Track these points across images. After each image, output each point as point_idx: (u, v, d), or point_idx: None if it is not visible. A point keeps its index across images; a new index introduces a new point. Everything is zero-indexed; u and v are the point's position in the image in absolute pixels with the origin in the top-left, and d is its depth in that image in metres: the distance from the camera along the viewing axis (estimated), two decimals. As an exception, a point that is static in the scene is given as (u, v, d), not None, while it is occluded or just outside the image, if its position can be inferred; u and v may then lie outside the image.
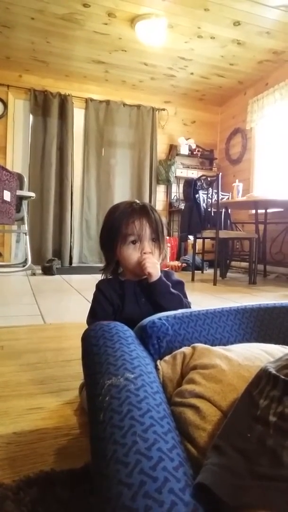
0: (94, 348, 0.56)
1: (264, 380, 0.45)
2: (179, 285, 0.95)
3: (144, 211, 0.88)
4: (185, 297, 0.94)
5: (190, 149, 5.13)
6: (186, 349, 0.63)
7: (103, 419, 0.45)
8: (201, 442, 0.45)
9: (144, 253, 0.87)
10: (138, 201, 0.92)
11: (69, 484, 0.56)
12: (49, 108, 4.52)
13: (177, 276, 0.98)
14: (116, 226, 0.88)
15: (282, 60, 3.92)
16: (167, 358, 0.64)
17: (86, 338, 0.59)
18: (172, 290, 0.89)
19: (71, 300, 2.34)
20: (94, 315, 0.91)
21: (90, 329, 0.61)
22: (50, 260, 3.96)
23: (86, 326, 0.68)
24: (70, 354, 1.22)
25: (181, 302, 0.90)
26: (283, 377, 0.42)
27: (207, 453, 0.42)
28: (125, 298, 0.90)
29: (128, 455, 0.39)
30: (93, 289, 0.93)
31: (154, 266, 0.87)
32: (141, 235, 0.87)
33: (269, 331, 0.89)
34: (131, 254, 0.88)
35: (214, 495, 0.36)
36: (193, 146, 5.15)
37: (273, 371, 0.44)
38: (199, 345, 0.63)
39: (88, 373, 0.55)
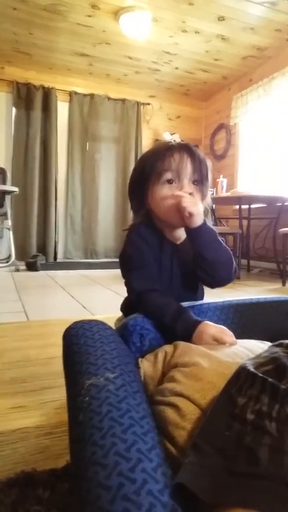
0: (74, 347, 0.55)
1: (242, 378, 0.45)
2: None
3: (185, 147, 0.72)
4: None
5: (175, 144, 5.12)
6: (167, 347, 0.63)
7: (83, 419, 0.44)
8: (180, 441, 0.45)
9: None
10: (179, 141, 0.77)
11: (50, 484, 0.55)
12: (32, 101, 4.44)
13: None
14: (149, 163, 0.72)
15: (266, 57, 3.94)
16: (148, 356, 0.64)
17: (67, 337, 0.59)
18: (220, 238, 0.74)
19: (56, 296, 2.32)
20: (139, 277, 0.72)
21: (71, 327, 0.61)
22: (34, 255, 3.91)
23: (71, 323, 0.65)
24: (54, 351, 1.21)
25: (231, 255, 0.75)
26: (260, 375, 0.43)
27: (187, 452, 0.42)
28: (162, 260, 0.75)
29: (107, 457, 0.39)
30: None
31: (195, 204, 0.69)
32: (180, 171, 0.70)
33: (252, 327, 0.90)
34: (166, 194, 0.71)
35: (193, 494, 0.36)
36: (178, 141, 5.14)
37: (251, 369, 0.45)
38: (180, 343, 0.63)
39: (68, 372, 0.54)
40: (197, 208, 0.69)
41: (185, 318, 0.67)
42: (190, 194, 0.71)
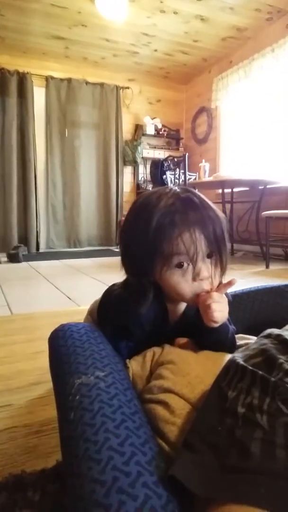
0: (62, 349, 0.54)
1: (232, 371, 0.45)
2: None
3: (194, 212, 0.57)
4: None
5: (156, 129, 5.06)
6: (155, 348, 0.64)
7: (74, 418, 0.44)
8: (171, 436, 0.46)
9: (201, 279, 0.59)
10: (178, 189, 0.61)
11: (40, 486, 0.55)
12: (6, 87, 4.28)
13: None
14: (151, 240, 0.56)
15: (245, 37, 3.89)
16: (136, 357, 0.64)
17: (54, 339, 0.58)
18: (230, 331, 0.65)
19: (40, 288, 2.29)
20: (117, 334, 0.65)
21: (58, 329, 0.59)
22: (16, 247, 3.85)
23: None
24: (39, 346, 1.20)
25: (234, 344, 0.67)
26: (250, 368, 0.43)
27: (179, 448, 0.42)
28: (160, 331, 0.66)
29: (100, 452, 0.39)
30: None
31: (223, 312, 0.59)
32: (192, 255, 0.56)
33: (239, 317, 0.91)
34: (180, 283, 0.59)
35: (186, 488, 0.36)
36: (159, 126, 5.08)
37: (241, 362, 0.45)
38: (167, 345, 0.63)
39: (56, 373, 0.53)
40: (224, 314, 0.59)
41: None
42: (209, 277, 0.59)
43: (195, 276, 0.58)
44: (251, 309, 0.96)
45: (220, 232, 0.59)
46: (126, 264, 0.66)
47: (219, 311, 0.58)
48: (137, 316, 0.60)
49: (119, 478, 0.36)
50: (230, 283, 0.61)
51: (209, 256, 0.60)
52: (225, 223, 0.61)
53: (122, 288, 0.65)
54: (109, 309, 0.67)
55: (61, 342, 0.57)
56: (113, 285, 0.70)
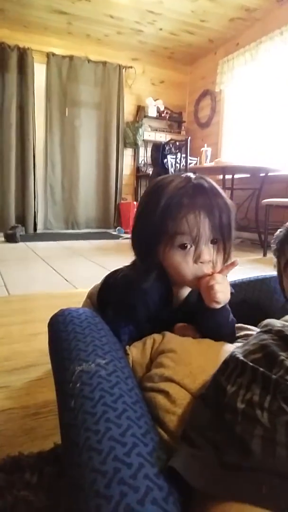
0: (62, 334, 0.53)
1: (231, 366, 0.44)
2: None
3: (202, 196, 0.58)
4: None
5: (158, 111, 4.97)
6: (156, 335, 0.63)
7: (74, 406, 0.43)
8: (171, 426, 0.45)
9: (201, 262, 0.60)
10: (192, 175, 0.61)
11: (38, 468, 0.55)
12: (6, 63, 4.16)
13: None
14: (159, 217, 0.58)
15: (254, 19, 3.79)
16: (136, 343, 0.63)
17: (54, 324, 0.57)
18: (231, 316, 0.66)
19: (37, 269, 2.28)
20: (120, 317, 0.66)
21: (58, 314, 0.58)
22: (13, 227, 3.81)
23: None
24: (37, 327, 1.19)
25: (234, 332, 0.68)
26: (251, 364, 0.42)
27: (178, 441, 0.42)
28: (162, 313, 0.66)
29: (101, 442, 0.39)
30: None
31: (226, 293, 0.60)
32: (195, 236, 0.58)
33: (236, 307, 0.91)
34: (181, 263, 0.60)
35: (185, 480, 0.36)
36: (162, 108, 4.99)
37: (241, 357, 0.44)
38: (168, 332, 0.63)
39: (56, 359, 0.53)
40: (226, 295, 0.60)
41: None
42: (210, 261, 0.60)
43: (196, 259, 0.60)
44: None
45: (227, 221, 0.60)
46: (135, 244, 0.67)
47: (221, 291, 0.59)
48: (142, 293, 0.62)
49: (120, 469, 0.35)
50: (233, 264, 0.63)
51: (213, 242, 0.61)
52: (233, 212, 0.62)
53: (129, 269, 0.67)
54: (114, 290, 0.69)
55: (61, 327, 0.56)
56: (116, 270, 0.70)
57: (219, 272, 0.61)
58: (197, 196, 0.58)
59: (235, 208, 0.64)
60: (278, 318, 0.79)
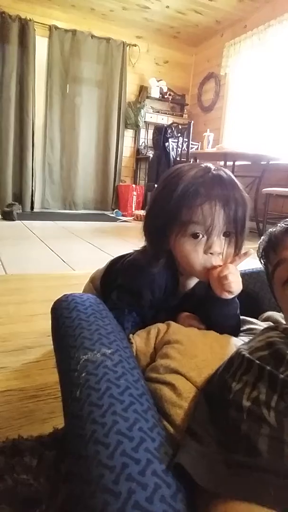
0: (66, 321, 0.52)
1: (237, 362, 0.43)
2: None
3: (220, 187, 0.57)
4: None
5: (161, 92, 4.86)
6: (160, 325, 0.62)
7: (80, 396, 0.42)
8: (177, 419, 0.45)
9: (211, 253, 0.59)
10: (212, 166, 0.60)
11: (37, 452, 0.54)
12: (7, 33, 4.02)
13: None
14: (175, 203, 0.57)
15: (264, 1, 3.67)
16: (140, 332, 0.62)
17: (58, 309, 0.55)
18: (238, 309, 0.65)
19: (34, 249, 2.25)
20: (125, 300, 0.66)
21: (61, 300, 0.57)
22: (10, 204, 3.75)
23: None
24: (35, 308, 1.18)
25: (239, 325, 0.68)
26: (257, 361, 0.41)
27: (184, 436, 0.41)
28: (167, 301, 0.67)
29: (108, 436, 0.38)
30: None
31: (238, 283, 0.59)
32: (208, 227, 0.57)
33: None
34: (191, 252, 0.59)
35: (190, 475, 0.35)
36: (165, 89, 4.88)
37: (247, 354, 0.43)
38: (172, 322, 0.62)
39: (59, 346, 0.51)
40: (239, 286, 0.59)
41: None
42: (221, 253, 0.60)
43: (207, 249, 0.59)
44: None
45: (242, 214, 0.59)
46: (146, 230, 0.66)
47: (235, 281, 0.58)
48: (149, 277, 0.62)
49: (128, 465, 0.34)
50: (246, 254, 0.62)
51: (225, 235, 0.60)
52: (249, 207, 0.61)
53: (138, 253, 0.68)
54: (120, 273, 0.70)
55: (65, 313, 0.55)
56: (123, 255, 0.71)
57: (231, 262, 0.61)
58: (215, 186, 0.57)
59: (251, 202, 0.63)
60: (279, 311, 0.78)
